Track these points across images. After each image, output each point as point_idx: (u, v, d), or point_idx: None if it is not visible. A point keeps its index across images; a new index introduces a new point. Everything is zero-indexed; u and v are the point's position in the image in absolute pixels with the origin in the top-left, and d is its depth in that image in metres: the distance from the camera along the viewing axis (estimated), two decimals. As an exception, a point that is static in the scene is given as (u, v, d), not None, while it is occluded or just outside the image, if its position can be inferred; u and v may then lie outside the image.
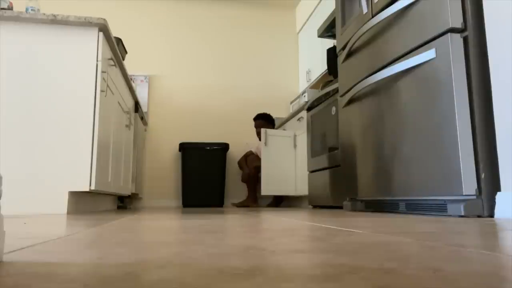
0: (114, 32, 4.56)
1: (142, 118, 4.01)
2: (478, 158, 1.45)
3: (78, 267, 0.42)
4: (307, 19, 4.76)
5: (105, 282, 0.34)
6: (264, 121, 4.34)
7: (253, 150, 4.42)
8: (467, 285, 0.32)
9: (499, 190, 1.42)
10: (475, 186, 1.43)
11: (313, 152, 3.36)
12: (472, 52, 1.52)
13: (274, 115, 5.02)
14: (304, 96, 4.13)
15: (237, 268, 0.41)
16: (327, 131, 3.05)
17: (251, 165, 4.26)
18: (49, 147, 2.02)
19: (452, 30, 1.54)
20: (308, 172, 3.52)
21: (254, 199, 4.17)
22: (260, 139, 4.27)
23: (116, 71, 2.59)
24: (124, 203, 3.77)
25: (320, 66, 4.19)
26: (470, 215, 1.43)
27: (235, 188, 4.71)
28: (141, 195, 4.30)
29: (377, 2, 2.04)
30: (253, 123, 4.91)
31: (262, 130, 3.89)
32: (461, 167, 1.44)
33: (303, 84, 4.88)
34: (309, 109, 3.51)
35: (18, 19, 2.06)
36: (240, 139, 4.82)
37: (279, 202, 4.36)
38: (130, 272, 0.39)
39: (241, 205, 4.16)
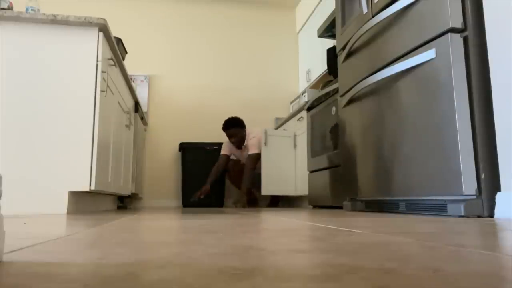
0: (114, 32, 4.55)
1: (142, 118, 4.01)
2: (478, 158, 1.45)
3: (78, 267, 0.42)
4: (307, 19, 4.76)
5: (105, 282, 0.34)
6: (237, 127, 3.98)
7: (226, 152, 4.12)
8: (467, 285, 0.32)
9: (499, 190, 1.43)
10: (475, 186, 1.43)
11: (313, 152, 3.36)
12: (472, 52, 1.52)
13: (274, 115, 5.02)
14: (304, 96, 4.13)
15: (237, 268, 0.41)
16: (327, 131, 3.05)
17: (235, 169, 4.12)
18: (49, 147, 2.02)
19: (452, 30, 1.54)
20: (308, 172, 3.52)
21: (251, 200, 4.15)
22: (237, 147, 4.06)
23: (116, 71, 2.59)
24: (124, 203, 3.77)
25: (320, 66, 4.19)
26: (470, 215, 1.43)
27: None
28: (141, 195, 4.30)
29: (377, 2, 2.04)
30: (249, 125, 4.82)
31: (262, 130, 3.88)
32: (461, 167, 1.44)
33: (303, 84, 4.88)
34: (309, 109, 3.51)
35: (18, 19, 2.06)
36: (240, 139, 4.81)
37: (276, 202, 4.34)
38: (130, 272, 0.39)
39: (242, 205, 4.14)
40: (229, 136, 3.99)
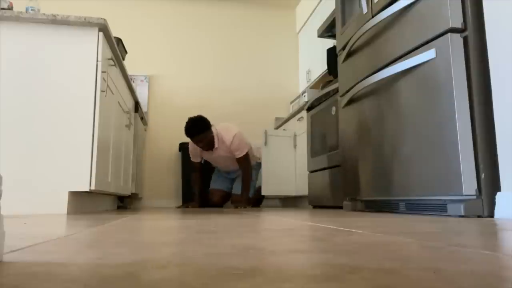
0: (114, 32, 4.54)
1: (142, 118, 4.01)
2: (478, 158, 1.45)
3: (78, 267, 0.42)
4: (307, 19, 4.76)
5: (105, 282, 0.34)
6: (203, 132, 3.41)
7: (197, 159, 3.73)
8: (467, 285, 0.32)
9: (499, 190, 1.43)
10: (475, 186, 1.43)
11: (313, 152, 3.36)
12: (472, 52, 1.52)
13: (274, 115, 5.01)
14: (304, 96, 4.13)
15: (237, 268, 0.41)
16: (327, 131, 3.05)
17: (216, 198, 3.91)
18: (49, 147, 2.02)
19: (452, 30, 1.54)
20: (308, 172, 3.52)
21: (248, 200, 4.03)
22: (207, 150, 3.56)
23: (116, 71, 2.58)
24: (124, 203, 3.77)
25: (320, 66, 4.19)
26: (470, 215, 1.43)
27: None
28: (141, 195, 4.30)
29: (377, 2, 2.04)
30: (249, 124, 4.76)
31: (262, 130, 3.88)
32: (461, 167, 1.44)
33: (303, 84, 4.88)
34: (309, 109, 3.51)
35: (18, 19, 2.06)
36: (240, 139, 4.81)
37: (259, 202, 4.19)
38: (130, 272, 0.39)
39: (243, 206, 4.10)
40: (195, 142, 3.47)
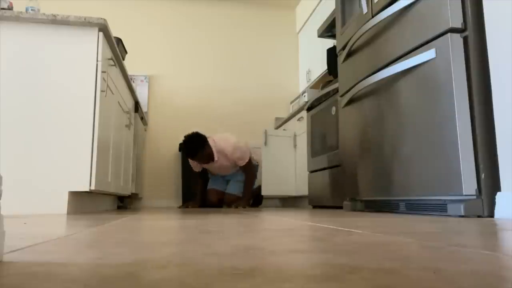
0: (114, 32, 4.55)
1: (142, 118, 4.01)
2: (478, 158, 1.45)
3: (78, 267, 0.42)
4: (307, 19, 4.76)
5: (105, 282, 0.34)
6: (202, 150, 3.41)
7: (199, 169, 3.79)
8: (467, 285, 0.32)
9: (499, 190, 1.43)
10: (475, 186, 1.43)
11: (313, 152, 3.36)
12: (472, 52, 1.52)
13: (274, 115, 5.01)
14: (304, 96, 4.13)
15: (237, 268, 0.41)
16: (327, 131, 3.05)
17: (213, 199, 3.90)
18: (49, 147, 2.02)
19: (452, 30, 1.54)
20: (308, 172, 3.52)
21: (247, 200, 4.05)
22: (207, 163, 3.59)
23: (116, 71, 2.58)
24: (124, 203, 3.77)
25: (320, 66, 4.19)
26: (470, 215, 1.43)
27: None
28: (141, 195, 4.30)
29: (377, 2, 2.04)
30: (249, 125, 4.80)
31: (262, 130, 3.87)
32: (461, 167, 1.44)
33: (303, 84, 4.88)
34: (309, 109, 3.51)
35: (18, 19, 2.06)
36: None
37: (258, 202, 4.20)
38: (130, 272, 0.39)
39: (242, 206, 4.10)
40: (197, 160, 3.50)
